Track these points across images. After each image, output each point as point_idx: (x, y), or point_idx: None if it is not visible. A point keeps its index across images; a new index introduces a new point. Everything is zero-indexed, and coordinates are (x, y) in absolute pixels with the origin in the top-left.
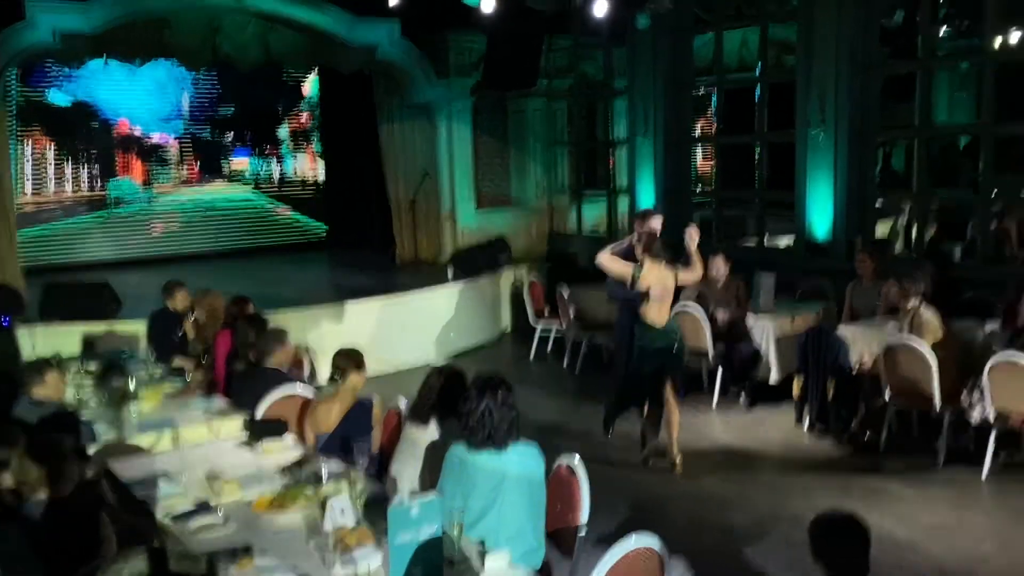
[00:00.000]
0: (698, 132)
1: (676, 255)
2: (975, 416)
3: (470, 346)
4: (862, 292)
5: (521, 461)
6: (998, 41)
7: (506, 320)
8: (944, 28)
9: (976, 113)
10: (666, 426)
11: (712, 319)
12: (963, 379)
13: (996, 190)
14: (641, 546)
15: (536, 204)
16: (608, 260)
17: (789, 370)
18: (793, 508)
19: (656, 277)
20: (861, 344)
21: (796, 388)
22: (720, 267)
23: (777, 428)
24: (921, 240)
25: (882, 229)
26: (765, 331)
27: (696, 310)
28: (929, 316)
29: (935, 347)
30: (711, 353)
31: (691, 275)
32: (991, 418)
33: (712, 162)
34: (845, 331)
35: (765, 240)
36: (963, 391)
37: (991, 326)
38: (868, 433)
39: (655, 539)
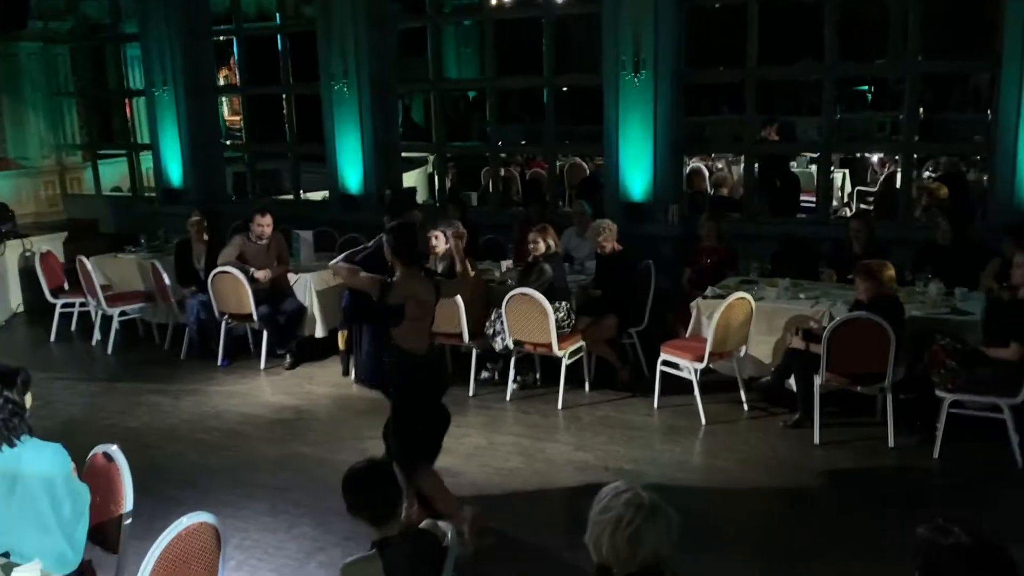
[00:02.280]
0: (222, 82)
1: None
2: (498, 345)
3: None
4: None
5: (36, 459)
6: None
7: (17, 299)
8: None
9: (481, 69)
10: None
11: (252, 279)
12: (488, 314)
13: (500, 142)
14: (194, 523)
15: (42, 164)
16: (346, 272)
17: (334, 324)
18: (346, 456)
19: (412, 289)
20: None
21: (341, 341)
22: (266, 227)
23: (327, 383)
24: (443, 188)
25: (410, 180)
26: (307, 287)
27: (236, 272)
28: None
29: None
30: (255, 315)
31: (457, 288)
32: (511, 346)
33: (240, 115)
34: None
35: (301, 194)
36: (487, 324)
37: (506, 264)
38: None
39: (208, 515)
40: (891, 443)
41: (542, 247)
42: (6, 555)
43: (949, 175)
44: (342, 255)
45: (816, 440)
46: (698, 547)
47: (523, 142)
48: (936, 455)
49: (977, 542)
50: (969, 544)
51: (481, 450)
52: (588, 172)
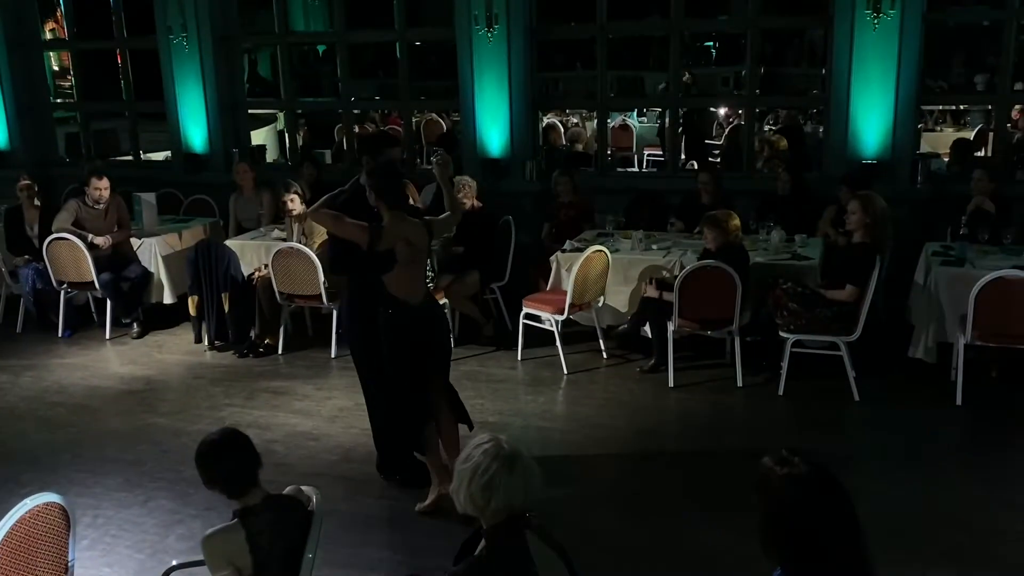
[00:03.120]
0: (49, 36)
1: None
2: None
3: None
4: (245, 203)
5: None
6: None
7: None
8: None
9: (330, 21)
10: (445, 447)
11: (92, 246)
12: None
13: (353, 98)
14: (38, 504)
15: None
16: (329, 219)
17: (183, 289)
18: (203, 426)
19: (403, 233)
20: (251, 254)
21: (192, 307)
22: (103, 190)
23: (177, 350)
24: (295, 146)
25: (258, 138)
26: (152, 252)
27: (73, 238)
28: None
29: (323, 247)
30: (96, 283)
31: (450, 222)
32: None
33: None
34: (233, 243)
35: (141, 154)
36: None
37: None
38: (267, 340)
39: (53, 494)
40: (739, 383)
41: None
42: None
43: (788, 128)
44: (320, 200)
45: (671, 383)
46: (561, 487)
47: (377, 97)
48: (781, 392)
49: (811, 471)
50: (803, 472)
51: (346, 411)
52: (445, 128)
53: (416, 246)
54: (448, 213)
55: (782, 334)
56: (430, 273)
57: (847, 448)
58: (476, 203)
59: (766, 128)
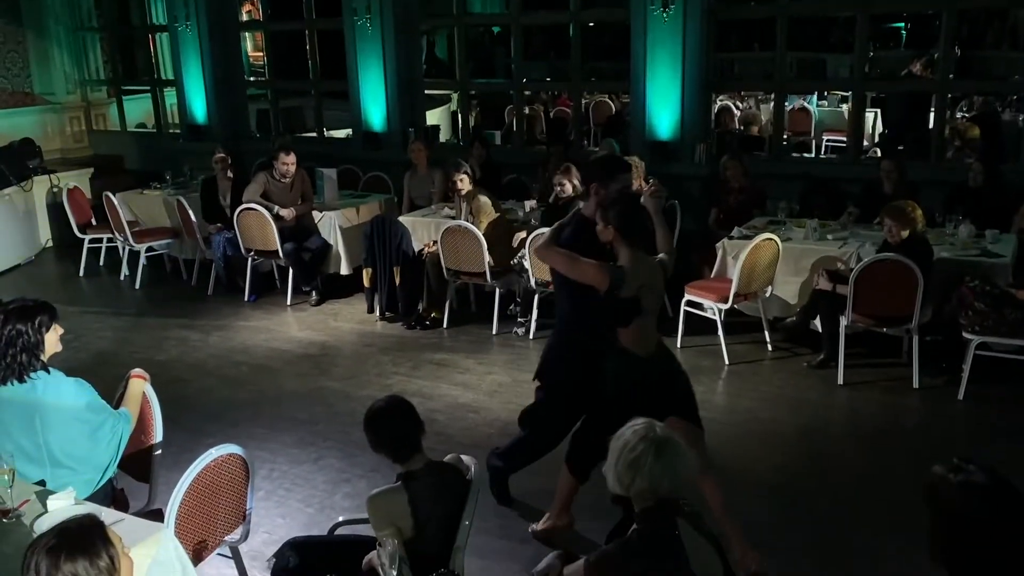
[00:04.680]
0: (245, 18)
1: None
2: (524, 283)
3: (4, 267)
4: (419, 181)
5: (55, 392)
6: None
7: (46, 234)
8: None
9: (505, 4)
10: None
11: (277, 217)
12: (512, 254)
13: (525, 79)
14: (223, 454)
15: (67, 100)
16: (562, 261)
17: (358, 261)
18: (370, 391)
19: (646, 275)
20: (421, 230)
21: (366, 278)
22: (290, 165)
23: (351, 319)
24: (467, 126)
25: (433, 118)
26: (332, 225)
27: (261, 209)
28: (484, 200)
29: (490, 226)
30: (280, 252)
31: (667, 264)
32: (533, 285)
33: (263, 51)
34: (406, 219)
35: (325, 132)
36: (512, 261)
37: (529, 203)
38: (433, 313)
39: (236, 447)
40: (916, 384)
41: (568, 188)
42: (42, 483)
43: (982, 115)
44: (546, 233)
45: (840, 380)
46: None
47: (548, 79)
48: (961, 396)
49: (989, 479)
50: (980, 482)
51: (504, 387)
52: (614, 110)
53: (655, 289)
54: (664, 255)
55: (966, 335)
56: None
57: None
58: (643, 184)
59: (959, 115)
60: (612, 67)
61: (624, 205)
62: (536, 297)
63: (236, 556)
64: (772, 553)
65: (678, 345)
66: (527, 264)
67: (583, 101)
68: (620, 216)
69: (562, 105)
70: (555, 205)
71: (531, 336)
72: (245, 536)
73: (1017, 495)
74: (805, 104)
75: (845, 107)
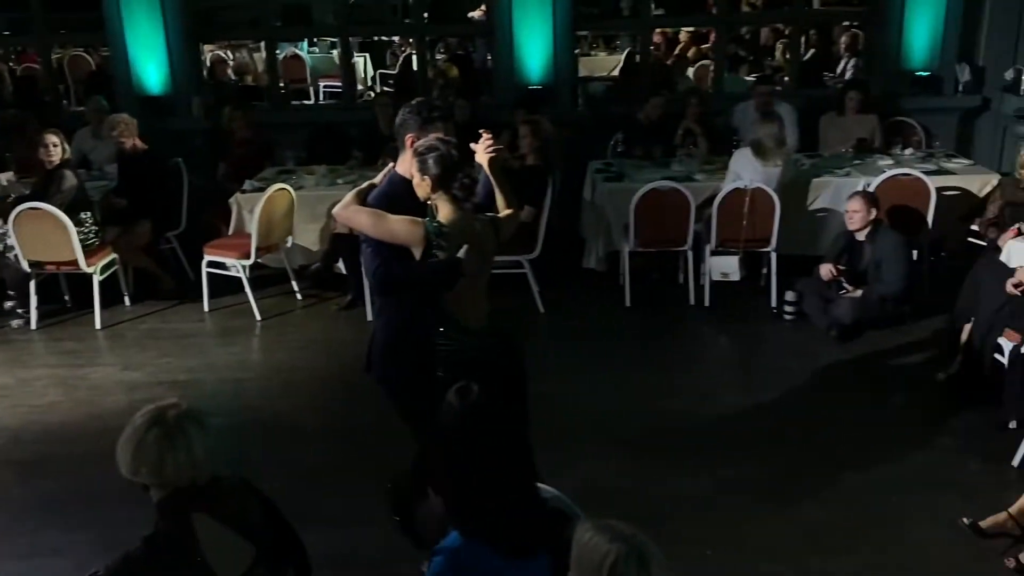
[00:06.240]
0: None
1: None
2: (14, 265)
3: None
4: None
5: None
6: None
7: None
8: None
9: None
10: None
11: None
12: None
13: None
14: None
15: None
16: (366, 218)
17: None
18: None
19: (471, 234)
20: None
21: None
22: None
23: None
24: None
25: None
26: None
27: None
28: None
29: None
30: None
31: (513, 220)
32: (27, 268)
33: None
34: None
35: None
36: None
37: (5, 176)
38: None
39: None
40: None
41: (56, 154)
42: None
43: (456, 56)
44: (349, 195)
45: (369, 317)
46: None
47: (7, 33)
48: None
49: (476, 400)
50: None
51: (9, 389)
52: (94, 65)
53: (485, 249)
54: (510, 212)
55: None
56: (94, 226)
57: (538, 359)
58: (138, 143)
59: (438, 57)
60: (82, 17)
61: (443, 153)
62: (33, 282)
63: None
64: (338, 496)
65: (205, 309)
66: (13, 243)
67: (53, 56)
68: (439, 163)
69: (30, 62)
70: (49, 173)
71: (33, 327)
72: None
73: (492, 410)
74: (297, 51)
75: (335, 52)
